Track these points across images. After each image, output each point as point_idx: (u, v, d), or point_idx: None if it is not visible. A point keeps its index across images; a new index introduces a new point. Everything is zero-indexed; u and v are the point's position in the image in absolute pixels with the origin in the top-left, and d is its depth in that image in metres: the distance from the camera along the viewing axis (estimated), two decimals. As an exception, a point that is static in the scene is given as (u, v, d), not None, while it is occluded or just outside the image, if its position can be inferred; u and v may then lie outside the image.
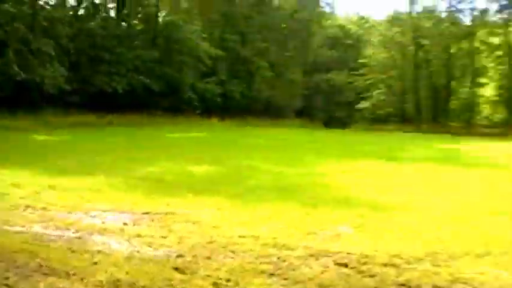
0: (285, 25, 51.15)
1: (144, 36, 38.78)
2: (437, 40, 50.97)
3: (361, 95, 58.52)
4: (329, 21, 61.63)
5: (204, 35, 40.27)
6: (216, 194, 8.29)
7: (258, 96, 46.17)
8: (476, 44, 50.66)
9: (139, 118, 34.24)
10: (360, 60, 57.42)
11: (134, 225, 6.15)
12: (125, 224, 6.16)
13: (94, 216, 6.55)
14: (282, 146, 21.94)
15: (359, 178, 11.04)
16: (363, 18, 70.64)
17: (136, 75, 35.27)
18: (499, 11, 48.51)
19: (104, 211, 6.86)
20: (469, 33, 49.91)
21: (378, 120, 55.11)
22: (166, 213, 6.74)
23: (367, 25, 68.94)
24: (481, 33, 50.03)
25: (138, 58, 36.04)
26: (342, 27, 64.74)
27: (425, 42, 52.63)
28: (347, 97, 62.25)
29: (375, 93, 56.88)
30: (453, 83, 51.74)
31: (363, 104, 56.98)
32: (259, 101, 46.71)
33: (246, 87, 44.76)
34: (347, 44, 65.59)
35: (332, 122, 55.54)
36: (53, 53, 30.43)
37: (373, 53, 58.59)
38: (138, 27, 40.20)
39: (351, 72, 58.91)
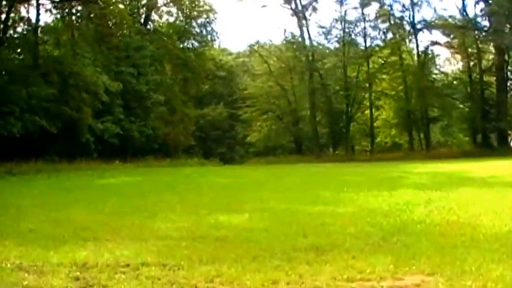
0: (175, 55, 47.05)
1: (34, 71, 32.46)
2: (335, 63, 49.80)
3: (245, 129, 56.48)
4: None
5: (98, 69, 35.05)
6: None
7: (154, 134, 41.45)
8: (374, 65, 50.26)
9: (35, 165, 28.70)
10: (246, 91, 54.98)
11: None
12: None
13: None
14: (258, 184, 18.62)
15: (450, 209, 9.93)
16: (225, 49, 68.24)
17: (31, 116, 29.49)
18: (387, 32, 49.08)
19: None
20: (367, 55, 49.44)
21: (266, 153, 53.03)
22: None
23: (233, 56, 66.78)
24: (378, 55, 49.96)
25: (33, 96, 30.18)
26: (212, 58, 60.96)
27: (321, 66, 51.16)
28: (229, 131, 59.61)
29: (264, 124, 54.80)
30: (353, 108, 50.41)
31: (252, 137, 54.73)
32: (155, 139, 42.08)
33: (143, 125, 39.95)
34: (219, 76, 62.92)
35: (228, 158, 52.06)
36: None
37: (257, 82, 56.08)
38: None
39: (236, 106, 56.45)
